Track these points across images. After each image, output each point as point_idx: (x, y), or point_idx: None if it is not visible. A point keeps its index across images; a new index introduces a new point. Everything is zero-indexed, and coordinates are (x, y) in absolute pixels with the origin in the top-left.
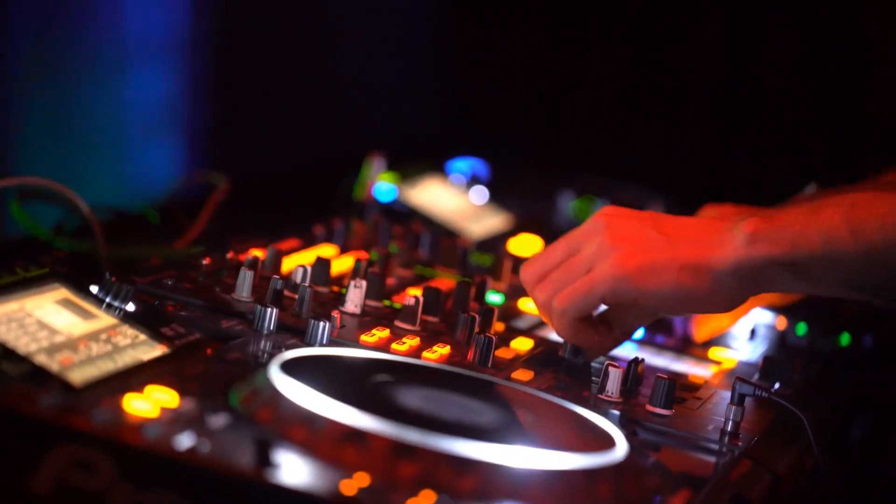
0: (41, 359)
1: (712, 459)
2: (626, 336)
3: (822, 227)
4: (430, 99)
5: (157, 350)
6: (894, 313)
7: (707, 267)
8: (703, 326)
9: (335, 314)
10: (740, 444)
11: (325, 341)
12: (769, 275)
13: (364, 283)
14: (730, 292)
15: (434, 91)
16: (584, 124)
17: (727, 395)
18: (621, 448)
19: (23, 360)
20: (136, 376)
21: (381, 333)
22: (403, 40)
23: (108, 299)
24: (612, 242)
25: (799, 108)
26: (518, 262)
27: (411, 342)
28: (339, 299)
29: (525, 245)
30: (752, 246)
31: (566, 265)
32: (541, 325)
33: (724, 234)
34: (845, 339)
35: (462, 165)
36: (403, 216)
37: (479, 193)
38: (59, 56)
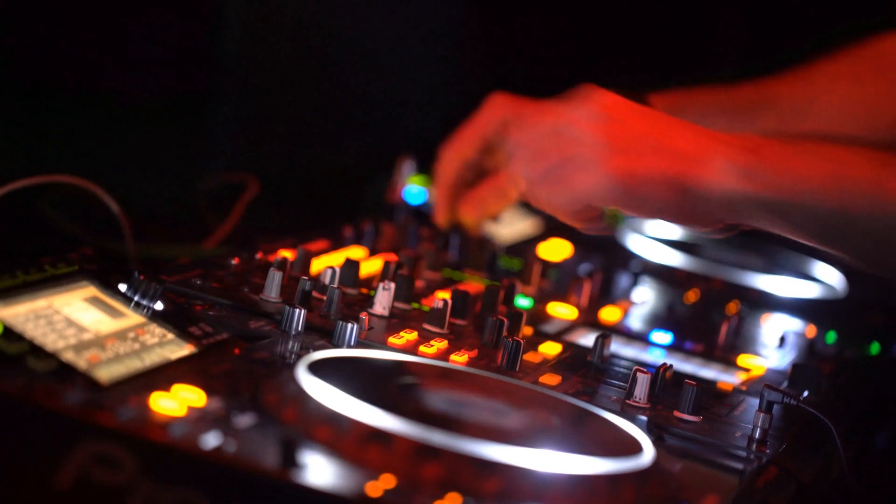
0: (69, 356)
1: (739, 466)
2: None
3: (813, 181)
4: (460, 102)
5: (184, 349)
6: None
7: (693, 189)
8: None
9: (363, 316)
10: (768, 451)
11: (353, 343)
12: (751, 210)
13: (392, 286)
14: (710, 216)
15: (464, 94)
16: None
17: (755, 402)
18: (648, 454)
19: (51, 357)
20: (163, 375)
21: (409, 336)
22: (435, 44)
23: (136, 297)
24: (606, 143)
25: None
26: (547, 266)
27: (439, 345)
28: (368, 301)
29: (554, 249)
30: (742, 181)
31: (556, 150)
32: (569, 329)
33: (715, 158)
34: (875, 347)
35: None
36: (432, 217)
37: None
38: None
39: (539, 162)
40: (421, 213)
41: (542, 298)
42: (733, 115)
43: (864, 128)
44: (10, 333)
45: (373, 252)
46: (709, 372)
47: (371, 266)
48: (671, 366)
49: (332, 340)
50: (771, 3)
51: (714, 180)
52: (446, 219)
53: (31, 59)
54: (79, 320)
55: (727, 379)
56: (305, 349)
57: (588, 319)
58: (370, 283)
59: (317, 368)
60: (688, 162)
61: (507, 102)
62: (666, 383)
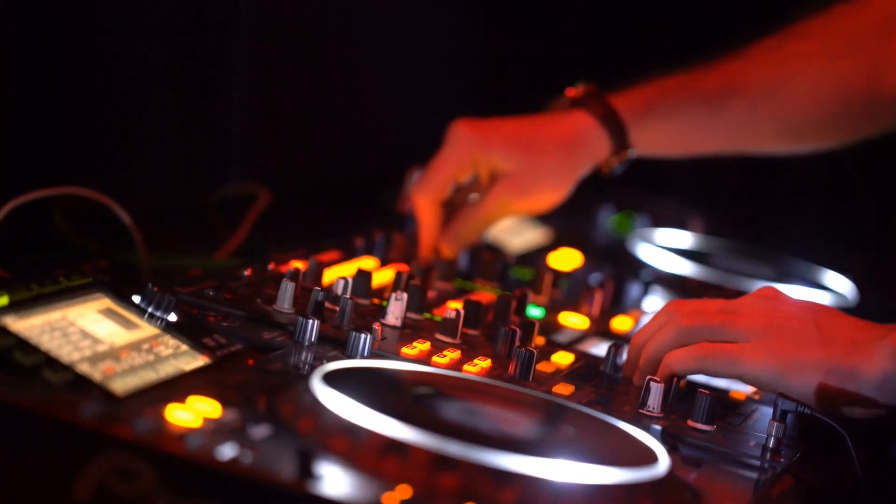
0: (84, 368)
1: (753, 476)
2: None
3: None
4: (468, 112)
5: (198, 360)
6: None
7: (855, 374)
8: None
9: (376, 326)
10: (782, 460)
11: (366, 353)
12: None
13: (405, 296)
14: (871, 400)
15: (472, 104)
16: None
17: (769, 411)
18: (662, 463)
19: (66, 369)
20: (178, 386)
21: (421, 346)
22: (446, 55)
23: (150, 309)
24: (770, 325)
25: None
26: (558, 276)
27: (452, 355)
28: (380, 311)
29: (565, 259)
30: None
31: (720, 316)
32: (581, 339)
33: (876, 344)
34: None
35: None
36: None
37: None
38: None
39: (695, 316)
40: None
41: (553, 308)
42: (704, 105)
43: (838, 105)
44: (26, 346)
45: (384, 262)
46: (722, 381)
47: (383, 276)
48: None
49: (346, 351)
50: None
51: (874, 363)
52: (431, 255)
53: (42, 70)
54: (93, 332)
55: (740, 388)
56: (319, 360)
57: (600, 329)
58: (382, 293)
59: (332, 379)
60: (850, 349)
61: (470, 134)
62: (679, 393)
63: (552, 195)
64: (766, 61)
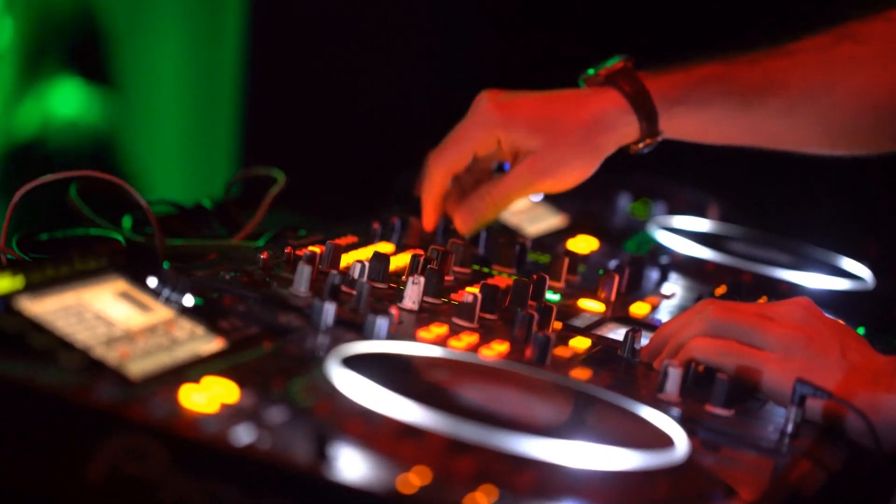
0: (99, 351)
1: (772, 460)
2: None
3: None
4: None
5: (214, 344)
6: None
7: (874, 407)
8: None
9: (393, 310)
10: (800, 445)
11: (383, 337)
12: None
13: (422, 280)
14: (888, 431)
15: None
16: None
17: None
18: (681, 448)
19: (81, 352)
20: (194, 370)
21: (438, 330)
22: (462, 36)
23: (165, 292)
24: (798, 340)
25: None
26: (576, 259)
27: (469, 339)
28: (397, 295)
29: (583, 245)
30: None
31: (754, 319)
32: (599, 324)
33: None
34: None
35: None
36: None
37: (536, 194)
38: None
39: (735, 316)
40: None
41: (570, 293)
42: (740, 99)
43: (884, 116)
44: (41, 328)
45: (400, 247)
46: None
47: (399, 261)
48: None
49: (363, 335)
50: None
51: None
52: (434, 224)
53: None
54: (109, 315)
55: None
56: (336, 343)
57: (617, 314)
58: (399, 277)
59: (350, 363)
60: (871, 383)
61: (495, 112)
62: (698, 377)
63: (576, 175)
64: (812, 61)
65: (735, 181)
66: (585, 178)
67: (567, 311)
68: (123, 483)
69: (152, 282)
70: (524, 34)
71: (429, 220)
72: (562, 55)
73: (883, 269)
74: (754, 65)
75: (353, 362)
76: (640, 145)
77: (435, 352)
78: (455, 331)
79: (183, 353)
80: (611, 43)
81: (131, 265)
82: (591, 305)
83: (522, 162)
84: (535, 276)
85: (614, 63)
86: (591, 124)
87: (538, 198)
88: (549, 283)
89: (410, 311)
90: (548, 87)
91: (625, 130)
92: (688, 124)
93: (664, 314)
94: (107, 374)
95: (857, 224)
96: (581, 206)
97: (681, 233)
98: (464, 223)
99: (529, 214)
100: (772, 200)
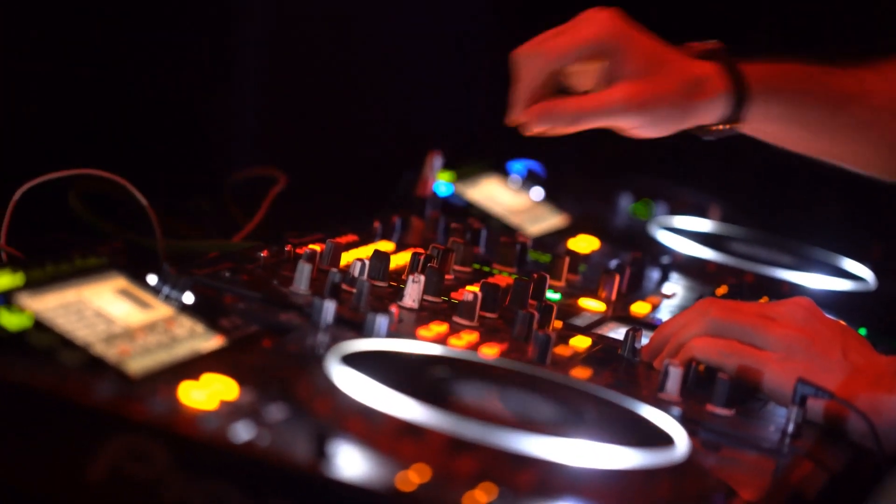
0: (99, 348)
1: (773, 460)
2: None
3: None
4: (489, 98)
5: (214, 342)
6: None
7: (875, 409)
8: None
9: (393, 308)
10: (801, 445)
11: (383, 335)
12: None
13: (422, 278)
14: (889, 432)
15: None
16: None
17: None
18: (681, 448)
19: (80, 349)
20: (193, 368)
21: (438, 328)
22: (465, 40)
23: (165, 290)
24: (800, 341)
25: None
26: (576, 258)
27: (469, 338)
28: (397, 294)
29: (584, 244)
30: None
31: (755, 319)
32: (599, 323)
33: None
34: None
35: (520, 167)
36: (461, 212)
37: (537, 194)
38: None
39: (736, 316)
40: (449, 206)
41: (571, 292)
42: (825, 103)
43: None
44: (40, 326)
45: (401, 246)
46: None
47: (400, 260)
48: None
49: (363, 333)
50: None
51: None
52: (516, 122)
53: (57, 52)
54: (109, 312)
55: None
56: (336, 342)
57: (618, 313)
58: (399, 276)
59: (349, 361)
60: (873, 385)
61: (611, 19)
62: (698, 377)
63: (661, 126)
64: None
65: (737, 182)
66: (660, 136)
67: (568, 311)
68: (122, 480)
69: (152, 279)
70: (529, 35)
71: (518, 114)
72: None
73: (885, 270)
74: (843, 71)
75: (353, 360)
76: (716, 128)
77: (435, 350)
78: (455, 329)
79: (183, 350)
80: None
81: (132, 264)
82: (591, 305)
83: (621, 84)
84: (535, 276)
85: (708, 42)
86: (693, 83)
87: (539, 196)
88: (549, 282)
89: (411, 310)
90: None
91: (716, 104)
92: (774, 119)
93: (665, 314)
94: (106, 371)
95: (860, 225)
96: (582, 209)
97: (682, 233)
98: (537, 120)
99: (530, 214)
100: (774, 201)
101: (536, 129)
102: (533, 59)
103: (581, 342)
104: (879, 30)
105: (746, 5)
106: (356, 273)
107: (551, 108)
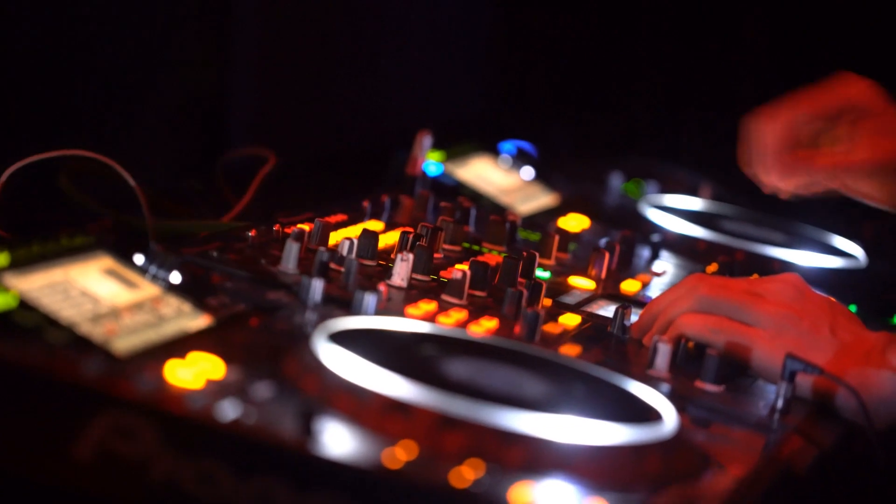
0: (85, 328)
1: (762, 436)
2: None
3: None
4: (481, 80)
5: (201, 321)
6: None
7: (864, 385)
8: None
9: (382, 287)
10: (790, 421)
11: (371, 313)
12: None
13: (411, 257)
14: (879, 408)
15: (483, 71)
16: (634, 107)
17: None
18: (670, 424)
19: (66, 329)
20: (180, 346)
21: (427, 307)
22: (456, 20)
23: (153, 269)
24: (789, 318)
25: None
26: (566, 237)
27: (458, 315)
28: (386, 273)
29: (574, 223)
30: None
31: (744, 296)
32: (589, 301)
33: (889, 357)
34: None
35: (510, 147)
36: (451, 191)
37: (527, 174)
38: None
39: (725, 292)
40: (439, 185)
41: (561, 271)
42: None
43: None
44: (26, 305)
45: (391, 226)
46: None
47: (389, 239)
48: None
49: (351, 311)
50: None
51: (884, 380)
52: (772, 188)
53: (48, 32)
54: (95, 292)
55: None
56: (324, 320)
57: (608, 291)
58: (388, 255)
59: (337, 338)
60: (862, 360)
61: (864, 89)
62: (688, 354)
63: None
64: None
65: (728, 161)
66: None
67: (557, 289)
68: (108, 458)
69: (139, 259)
70: (524, 22)
71: (773, 178)
72: (560, 52)
73: (876, 247)
74: None
75: (341, 338)
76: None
77: (423, 328)
78: (444, 307)
79: (169, 329)
80: (609, 40)
81: (119, 243)
82: (581, 283)
83: (869, 137)
84: (525, 254)
85: None
86: None
87: (530, 176)
88: (539, 260)
89: (399, 288)
90: (542, 73)
91: None
92: None
93: (655, 292)
94: (92, 350)
95: (850, 203)
96: (573, 189)
97: (673, 211)
98: (784, 181)
99: (521, 193)
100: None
101: (790, 192)
102: (771, 119)
103: (570, 320)
104: None
105: None
106: (344, 252)
107: (800, 167)
